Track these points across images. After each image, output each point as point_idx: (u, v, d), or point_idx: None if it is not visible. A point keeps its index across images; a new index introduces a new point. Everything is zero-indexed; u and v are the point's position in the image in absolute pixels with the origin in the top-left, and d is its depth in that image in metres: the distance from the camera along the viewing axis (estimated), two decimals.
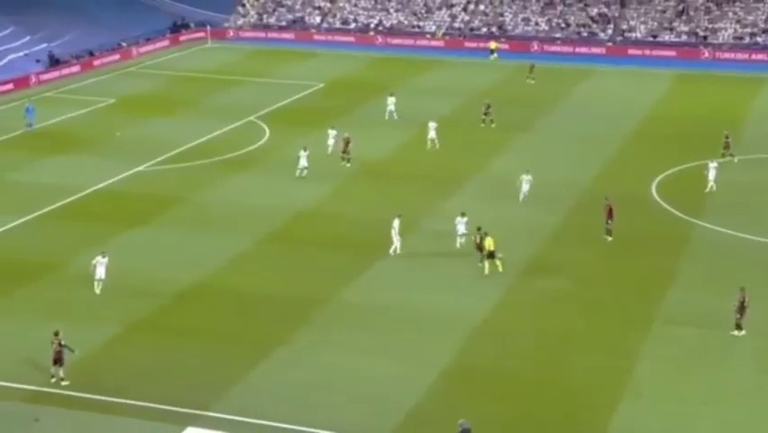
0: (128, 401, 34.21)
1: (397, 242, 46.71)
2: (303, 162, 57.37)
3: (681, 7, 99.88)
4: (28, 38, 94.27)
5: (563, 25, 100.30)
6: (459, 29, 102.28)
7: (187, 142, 64.75)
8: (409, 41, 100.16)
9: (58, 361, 35.09)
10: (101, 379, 35.70)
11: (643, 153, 63.02)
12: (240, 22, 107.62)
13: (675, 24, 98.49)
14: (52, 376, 35.29)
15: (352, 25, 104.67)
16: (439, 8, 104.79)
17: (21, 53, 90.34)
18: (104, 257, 42.51)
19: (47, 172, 59.15)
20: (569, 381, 36.08)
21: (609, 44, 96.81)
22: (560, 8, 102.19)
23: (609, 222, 48.13)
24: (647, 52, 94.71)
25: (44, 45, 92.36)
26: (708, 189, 55.08)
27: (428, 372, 36.40)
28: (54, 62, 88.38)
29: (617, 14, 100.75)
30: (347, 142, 59.98)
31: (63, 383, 35.09)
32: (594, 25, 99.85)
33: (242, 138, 66.25)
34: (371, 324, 40.31)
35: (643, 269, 45.50)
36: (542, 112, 73.19)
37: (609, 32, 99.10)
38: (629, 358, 37.51)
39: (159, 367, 36.67)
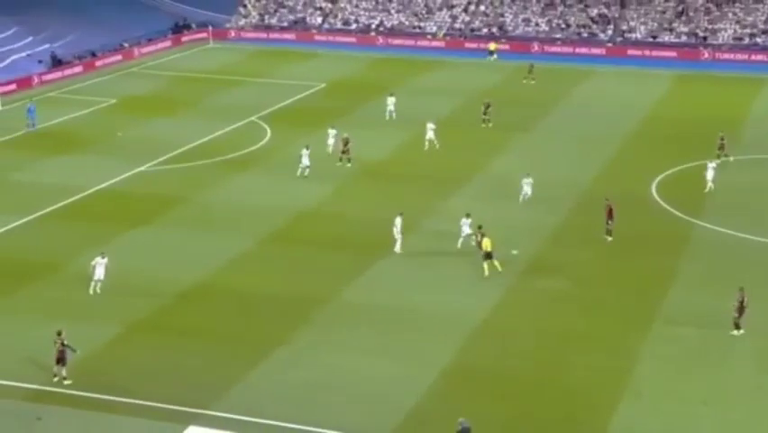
0: (130, 400, 34.35)
1: (399, 240, 46.88)
2: (305, 162, 57.53)
3: (680, 8, 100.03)
4: (31, 38, 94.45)
5: (564, 26, 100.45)
6: (459, 29, 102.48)
7: (188, 143, 64.91)
8: (410, 42, 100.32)
9: (61, 360, 35.22)
10: (103, 378, 35.82)
11: (642, 154, 63.16)
12: (241, 22, 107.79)
13: (675, 25, 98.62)
14: (55, 375, 35.42)
15: (353, 26, 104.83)
16: (440, 9, 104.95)
17: (23, 54, 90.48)
18: (103, 258, 42.62)
19: (49, 172, 59.30)
20: (569, 381, 36.17)
21: (609, 45, 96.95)
22: (560, 9, 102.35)
23: (609, 222, 48.26)
24: (647, 53, 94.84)
25: (47, 46, 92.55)
26: (706, 190, 55.23)
27: (428, 372, 36.49)
28: (56, 63, 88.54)
29: (617, 15, 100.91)
30: (346, 142, 60.13)
31: (66, 382, 35.23)
32: (594, 26, 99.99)
33: (244, 138, 66.38)
34: (372, 324, 40.40)
35: (643, 269, 45.61)
36: (542, 112, 73.32)
37: (609, 32, 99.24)
38: (629, 358, 37.58)
39: (161, 366, 36.78)
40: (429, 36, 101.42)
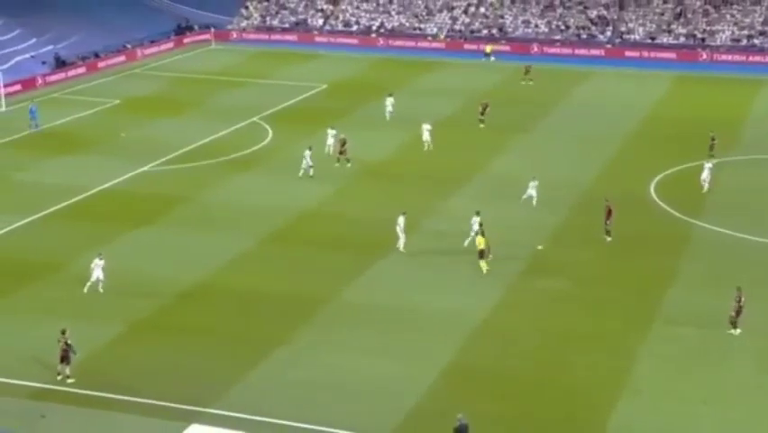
0: (132, 399, 34.53)
1: (402, 238, 47.08)
2: (308, 162, 57.79)
3: (678, 10, 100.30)
4: (34, 40, 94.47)
5: (563, 27, 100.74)
6: (459, 31, 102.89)
7: (191, 143, 65.14)
8: (411, 43, 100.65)
9: (64, 359, 35.41)
10: (106, 377, 35.98)
11: (641, 154, 63.38)
12: (243, 24, 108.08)
13: (673, 27, 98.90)
14: (58, 374, 35.61)
15: (354, 27, 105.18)
16: (440, 11, 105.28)
17: (27, 55, 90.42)
18: (100, 259, 42.76)
19: (52, 172, 59.52)
20: (569, 380, 36.27)
21: (608, 46, 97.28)
22: (559, 10, 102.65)
23: (608, 222, 48.47)
24: (646, 54, 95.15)
25: (50, 47, 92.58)
26: (703, 190, 55.46)
27: (428, 371, 36.61)
28: (60, 64, 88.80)
29: (615, 17, 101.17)
30: (343, 143, 60.42)
31: (69, 381, 35.43)
32: (593, 27, 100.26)
33: (246, 139, 66.60)
34: (372, 323, 40.52)
35: (642, 269, 45.75)
36: (542, 113, 73.55)
37: (608, 34, 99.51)
38: (629, 358, 37.69)
39: (162, 365, 36.96)
40: (430, 37, 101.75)
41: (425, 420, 33.60)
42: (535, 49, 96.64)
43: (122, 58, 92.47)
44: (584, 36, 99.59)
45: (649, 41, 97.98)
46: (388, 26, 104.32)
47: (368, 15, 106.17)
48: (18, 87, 79.84)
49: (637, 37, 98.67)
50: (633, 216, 51.15)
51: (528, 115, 72.90)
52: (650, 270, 45.65)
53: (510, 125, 69.80)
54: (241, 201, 54.62)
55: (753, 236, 49.55)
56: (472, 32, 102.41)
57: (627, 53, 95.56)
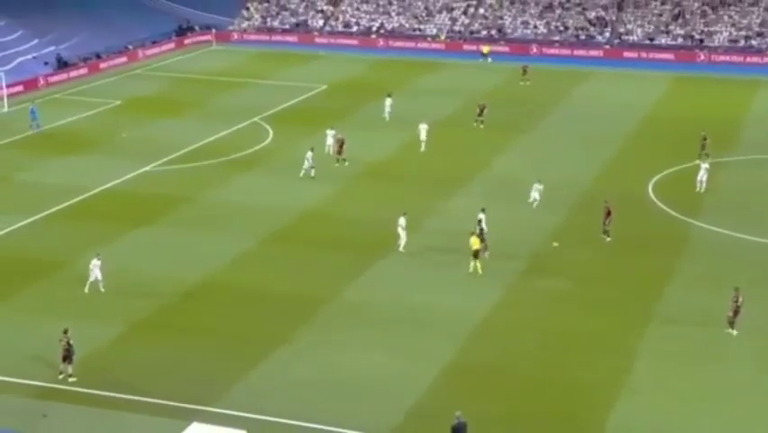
0: (134, 397, 34.67)
1: (403, 238, 47.26)
2: (310, 162, 57.89)
3: (677, 11, 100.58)
4: (36, 41, 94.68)
5: (562, 28, 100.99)
6: (459, 32, 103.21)
7: (192, 143, 65.33)
8: (410, 44, 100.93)
9: (67, 358, 35.55)
10: (108, 375, 36.12)
11: (640, 154, 63.61)
12: (244, 25, 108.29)
13: (671, 28, 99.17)
14: (61, 373, 35.76)
15: (354, 28, 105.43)
16: (439, 12, 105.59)
17: (29, 56, 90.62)
18: (98, 259, 42.89)
19: (54, 173, 59.67)
20: (568, 379, 36.40)
21: (607, 47, 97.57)
22: (558, 12, 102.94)
23: (607, 223, 48.65)
24: (644, 55, 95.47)
25: (52, 48, 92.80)
26: (697, 189, 55.67)
27: (428, 370, 36.74)
28: (62, 65, 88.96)
29: (614, 18, 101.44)
30: (341, 144, 60.69)
31: (71, 380, 35.58)
32: (592, 28, 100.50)
33: (247, 139, 66.78)
34: (372, 323, 40.63)
35: (641, 268, 45.90)
36: (541, 113, 73.75)
37: (607, 35, 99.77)
38: (628, 357, 37.82)
39: (164, 364, 37.11)
40: (429, 38, 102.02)
41: (425, 419, 33.70)
42: (534, 49, 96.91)
43: (123, 59, 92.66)
44: (583, 37, 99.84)
45: (647, 41, 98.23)
46: (388, 27, 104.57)
47: (368, 16, 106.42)
48: (20, 87, 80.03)
49: (636, 38, 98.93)
50: (631, 216, 51.32)
51: (527, 115, 73.09)
52: (649, 269, 45.82)
53: (510, 126, 69.99)
54: (241, 201, 54.75)
55: (751, 236, 49.72)
56: (472, 32, 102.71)
57: (626, 54, 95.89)
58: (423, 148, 63.83)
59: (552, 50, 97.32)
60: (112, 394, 34.92)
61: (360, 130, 66.80)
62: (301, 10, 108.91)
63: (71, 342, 35.64)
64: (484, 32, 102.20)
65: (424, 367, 36.99)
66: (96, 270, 42.75)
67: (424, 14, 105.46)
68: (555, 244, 48.00)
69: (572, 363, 37.51)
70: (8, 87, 77.41)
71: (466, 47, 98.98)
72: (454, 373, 36.81)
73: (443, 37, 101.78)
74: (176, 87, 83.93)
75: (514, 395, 35.42)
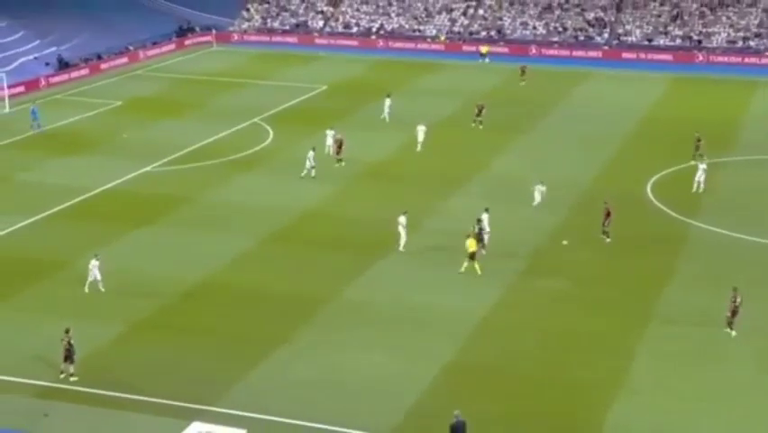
0: (135, 397, 34.77)
1: (404, 236, 47.31)
2: (311, 162, 58.02)
3: (675, 12, 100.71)
4: (38, 41, 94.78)
5: (561, 29, 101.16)
6: (458, 33, 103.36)
7: (192, 144, 65.45)
8: (410, 45, 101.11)
9: (68, 357, 35.65)
10: (109, 375, 36.22)
11: (638, 155, 63.70)
12: (244, 26, 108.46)
13: (670, 29, 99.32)
14: (62, 372, 35.86)
15: (354, 29, 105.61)
16: (439, 12, 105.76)
17: (31, 56, 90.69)
18: (96, 259, 43.02)
19: (55, 173, 59.77)
20: (568, 379, 36.48)
21: (606, 48, 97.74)
22: (557, 13, 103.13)
23: (606, 223, 48.77)
24: (643, 56, 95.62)
25: (53, 48, 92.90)
26: (694, 190, 55.80)
27: (428, 369, 36.83)
28: (63, 65, 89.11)
29: (613, 19, 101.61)
30: (340, 144, 60.83)
31: (72, 379, 35.67)
32: (591, 29, 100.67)
33: (247, 139, 66.90)
34: (372, 323, 40.71)
35: (640, 269, 46.00)
36: (540, 114, 73.88)
37: (606, 35, 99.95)
38: (627, 357, 37.90)
39: (165, 364, 37.21)
40: (429, 39, 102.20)
41: (425, 419, 33.79)
42: (533, 50, 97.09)
43: (124, 59, 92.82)
44: (582, 38, 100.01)
45: (646, 42, 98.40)
46: (388, 28, 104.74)
47: (368, 17, 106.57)
48: (21, 88, 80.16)
49: (634, 39, 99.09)
50: (630, 217, 51.41)
51: (527, 115, 73.22)
52: (648, 269, 45.93)
53: (509, 126, 70.13)
54: (242, 201, 54.88)
55: (749, 236, 49.84)
56: (471, 33, 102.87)
57: (624, 55, 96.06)
58: (419, 149, 63.92)
59: (551, 51, 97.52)
60: (113, 394, 34.99)
61: (359, 130, 66.96)
62: (301, 11, 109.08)
63: (72, 342, 35.71)
64: (483, 33, 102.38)
65: (424, 367, 37.06)
66: (94, 270, 42.87)
67: (423, 15, 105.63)
68: (565, 243, 48.15)
69: (572, 363, 37.59)
70: (9, 87, 77.55)
71: (465, 48, 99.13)
72: (454, 373, 36.88)
73: (442, 38, 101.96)
74: (176, 87, 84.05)
75: (514, 395, 35.49)
